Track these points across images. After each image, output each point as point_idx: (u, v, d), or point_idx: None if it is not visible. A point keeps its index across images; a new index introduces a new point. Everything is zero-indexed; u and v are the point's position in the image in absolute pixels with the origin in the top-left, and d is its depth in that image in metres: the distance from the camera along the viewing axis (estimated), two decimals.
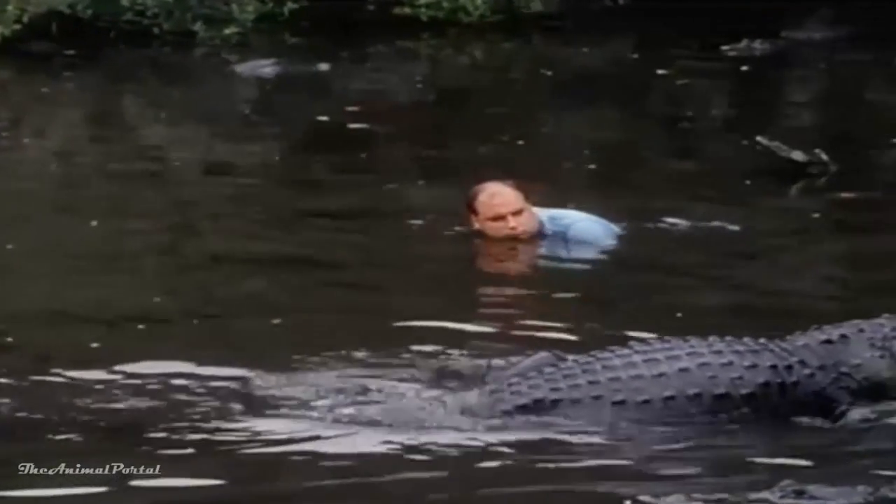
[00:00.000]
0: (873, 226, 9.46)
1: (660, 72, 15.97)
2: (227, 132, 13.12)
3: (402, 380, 5.62)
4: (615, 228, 8.61)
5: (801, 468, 4.90)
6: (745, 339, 5.55)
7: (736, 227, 9.10)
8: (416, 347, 6.07)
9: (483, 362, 5.78)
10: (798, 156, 10.85)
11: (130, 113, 15.05)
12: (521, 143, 12.13)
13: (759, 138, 11.24)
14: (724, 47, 16.85)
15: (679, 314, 6.97)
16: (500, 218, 8.31)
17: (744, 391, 5.35)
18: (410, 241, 8.89)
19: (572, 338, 6.39)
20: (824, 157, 10.86)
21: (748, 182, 10.82)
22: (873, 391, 5.55)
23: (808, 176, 10.78)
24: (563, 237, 8.49)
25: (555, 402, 5.19)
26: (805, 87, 16.36)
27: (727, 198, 10.21)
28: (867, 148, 12.37)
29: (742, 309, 7.30)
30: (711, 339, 5.51)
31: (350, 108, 13.77)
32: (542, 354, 5.53)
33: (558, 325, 6.66)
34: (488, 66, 17.94)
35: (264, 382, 5.48)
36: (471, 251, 8.67)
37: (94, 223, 9.03)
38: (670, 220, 9.16)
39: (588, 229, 8.49)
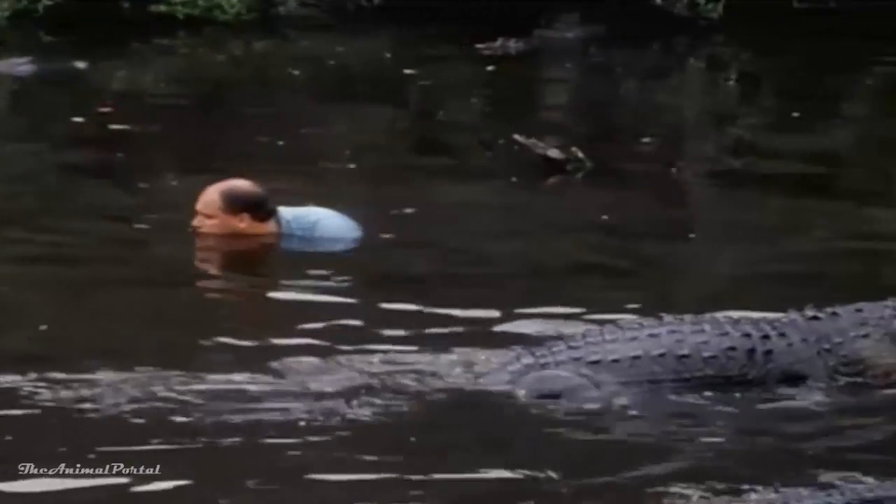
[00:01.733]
0: (627, 220, 9.71)
1: (415, 71, 16.07)
2: None
3: None
4: (356, 224, 8.73)
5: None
6: (739, 317, 5.76)
7: (491, 223, 9.31)
8: None
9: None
10: (554, 153, 11.07)
11: None
12: (280, 143, 12.00)
13: (515, 135, 11.40)
14: (479, 46, 17.06)
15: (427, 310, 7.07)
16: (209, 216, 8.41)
17: (707, 353, 5.49)
18: (154, 240, 8.78)
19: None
20: (580, 154, 11.10)
21: (505, 179, 10.98)
22: (851, 368, 5.66)
23: (564, 172, 10.99)
24: (308, 235, 8.59)
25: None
26: (559, 85, 16.75)
27: (485, 194, 10.40)
28: (621, 144, 12.75)
29: (489, 300, 7.40)
30: (708, 316, 5.73)
31: (106, 107, 13.41)
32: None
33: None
34: (245, 65, 17.77)
35: None
36: (209, 248, 8.62)
37: None
38: (426, 215, 9.41)
39: (333, 226, 8.64)
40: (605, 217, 9.68)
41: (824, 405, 5.61)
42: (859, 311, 5.74)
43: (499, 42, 17.20)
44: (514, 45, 17.28)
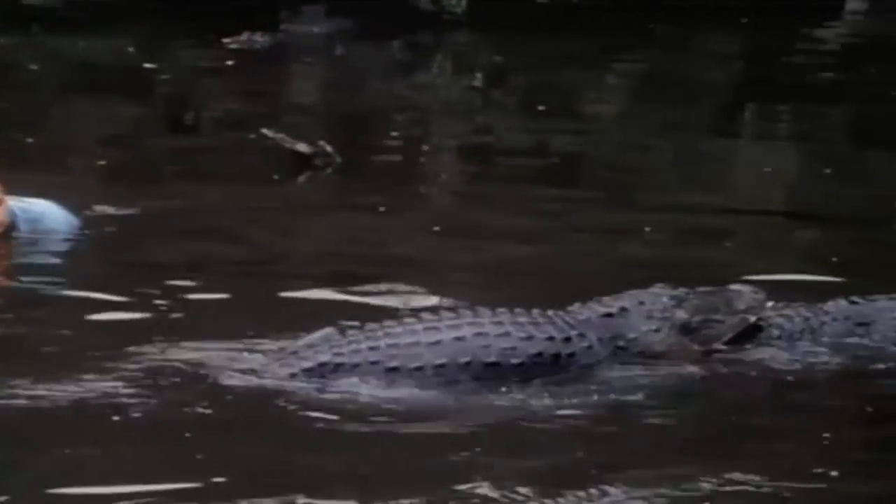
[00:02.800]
0: (377, 213, 9.81)
1: (159, 65, 15.78)
2: None
3: None
4: (76, 216, 8.70)
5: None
6: (533, 312, 5.70)
7: (233, 218, 9.34)
8: None
9: None
10: (303, 147, 11.07)
11: None
12: (30, 140, 11.66)
13: (263, 130, 11.36)
14: (226, 40, 16.84)
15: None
16: None
17: (515, 361, 5.46)
18: None
19: None
20: (329, 148, 11.13)
21: (255, 173, 10.93)
22: (649, 364, 5.74)
23: (313, 167, 11.02)
24: (34, 227, 8.50)
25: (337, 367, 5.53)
26: (307, 79, 16.73)
27: (228, 188, 10.31)
28: (370, 139, 12.85)
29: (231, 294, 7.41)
30: (499, 310, 5.63)
31: None
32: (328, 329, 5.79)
33: None
34: None
35: None
36: None
37: None
38: (169, 210, 9.43)
39: (58, 217, 8.61)
40: (350, 212, 9.77)
41: (622, 403, 5.75)
42: (642, 303, 5.92)
43: (245, 36, 17.03)
44: (260, 39, 17.13)
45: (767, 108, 14.36)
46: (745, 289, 6.20)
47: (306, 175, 11.00)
